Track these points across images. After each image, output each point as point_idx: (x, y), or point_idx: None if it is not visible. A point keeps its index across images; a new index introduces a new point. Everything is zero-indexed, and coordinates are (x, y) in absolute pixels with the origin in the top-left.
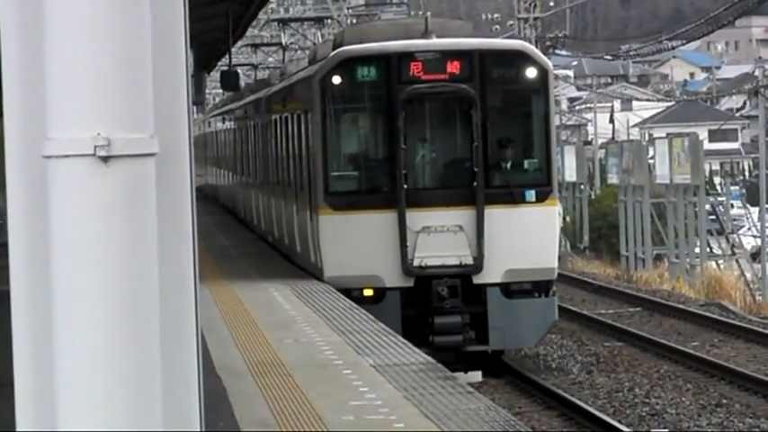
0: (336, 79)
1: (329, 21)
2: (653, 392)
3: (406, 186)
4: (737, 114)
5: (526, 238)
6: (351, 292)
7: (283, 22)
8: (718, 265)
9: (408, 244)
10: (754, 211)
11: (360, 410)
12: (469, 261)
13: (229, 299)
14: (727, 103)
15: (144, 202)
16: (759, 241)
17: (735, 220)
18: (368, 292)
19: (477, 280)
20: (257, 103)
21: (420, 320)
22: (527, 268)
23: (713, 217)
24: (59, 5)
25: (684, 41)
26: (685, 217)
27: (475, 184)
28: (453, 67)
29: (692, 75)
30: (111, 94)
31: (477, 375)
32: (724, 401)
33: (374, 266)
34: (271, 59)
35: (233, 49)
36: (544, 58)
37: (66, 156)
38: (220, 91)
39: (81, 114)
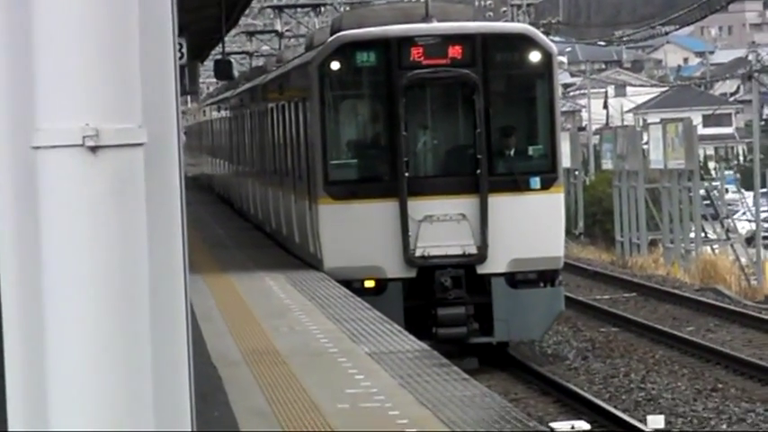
0: (335, 65)
1: (324, 8)
2: (648, 378)
3: (407, 174)
4: (731, 99)
5: (531, 226)
6: (351, 284)
7: (279, 9)
8: (713, 249)
9: (410, 233)
10: (749, 195)
11: (355, 398)
12: (473, 251)
13: (225, 288)
14: (720, 88)
15: (133, 193)
16: (754, 226)
17: (729, 204)
18: (369, 284)
19: (482, 270)
20: (253, 90)
21: (423, 312)
22: (532, 257)
23: (708, 202)
24: None
25: (678, 27)
26: (680, 202)
27: (478, 171)
28: (455, 52)
29: (685, 60)
30: (99, 85)
31: (473, 362)
32: (720, 386)
33: (375, 257)
34: (265, 47)
35: (227, 38)
36: (548, 41)
37: (55, 146)
38: (214, 80)
39: (69, 105)
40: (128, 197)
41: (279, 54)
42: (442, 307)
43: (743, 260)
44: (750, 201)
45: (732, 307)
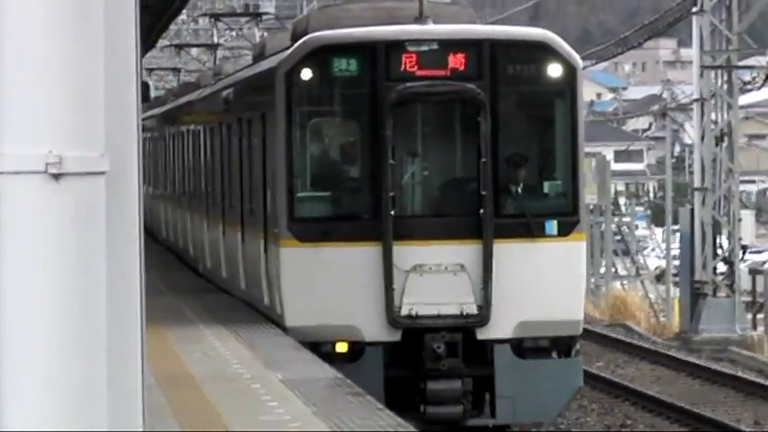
0: (306, 73)
1: (262, 18)
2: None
3: (393, 213)
4: (643, 135)
5: (545, 282)
6: (320, 347)
7: (216, 18)
8: (622, 285)
9: (395, 287)
10: (659, 232)
11: (269, 425)
12: (473, 310)
13: None
14: (633, 125)
15: (93, 220)
16: (663, 262)
17: (639, 241)
18: (341, 347)
19: (483, 335)
20: (185, 107)
21: (409, 385)
22: (545, 320)
23: (618, 237)
24: (12, 24)
25: (594, 62)
26: (591, 237)
27: (482, 211)
28: (457, 61)
29: (598, 95)
30: (63, 113)
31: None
32: (628, 422)
33: (350, 315)
34: (190, 67)
35: (151, 52)
36: (572, 52)
37: (18, 172)
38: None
39: (33, 132)
40: (88, 225)
41: (216, 67)
42: (433, 380)
43: (652, 296)
44: (660, 237)
45: (641, 343)
